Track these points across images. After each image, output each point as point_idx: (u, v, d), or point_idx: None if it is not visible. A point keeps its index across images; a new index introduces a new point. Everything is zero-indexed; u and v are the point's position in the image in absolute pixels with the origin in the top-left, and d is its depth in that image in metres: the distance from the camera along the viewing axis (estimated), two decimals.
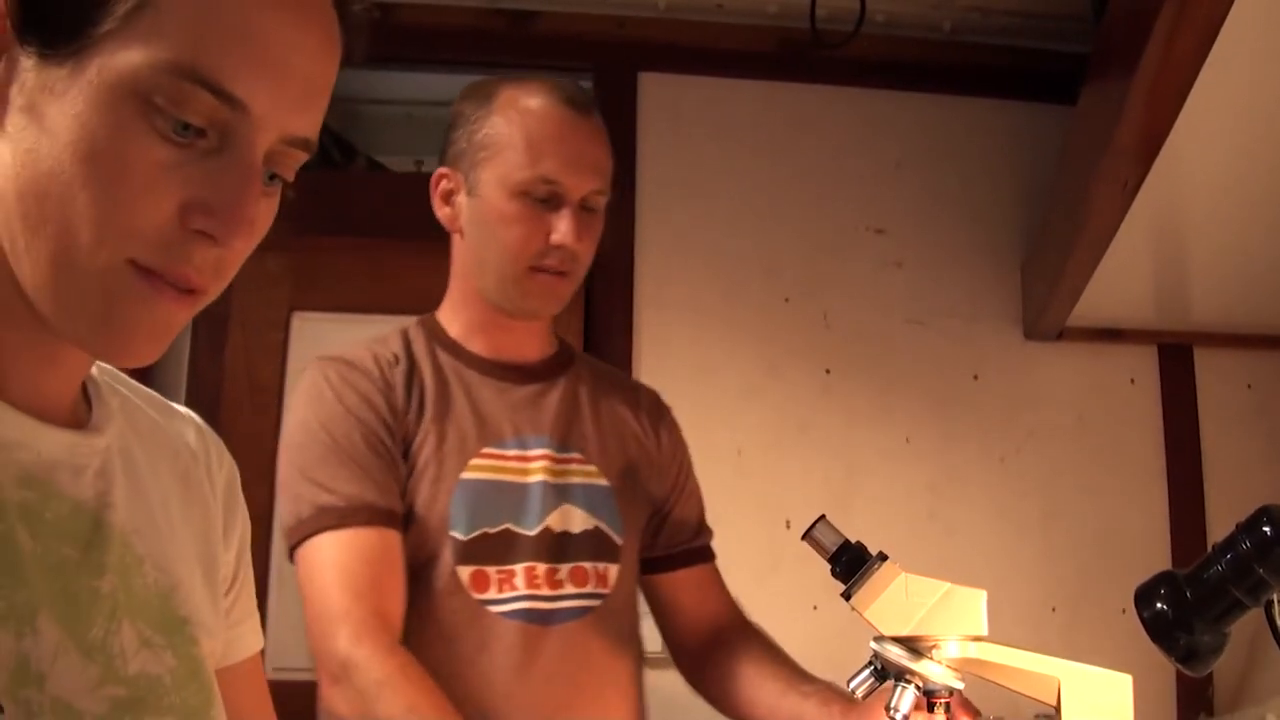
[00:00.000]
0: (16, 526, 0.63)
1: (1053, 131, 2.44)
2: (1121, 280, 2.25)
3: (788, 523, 2.28)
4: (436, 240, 1.39)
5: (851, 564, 1.03)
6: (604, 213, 1.36)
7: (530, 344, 1.40)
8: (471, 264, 1.36)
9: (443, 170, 1.36)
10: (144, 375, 0.75)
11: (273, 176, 0.67)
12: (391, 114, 2.94)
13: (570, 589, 1.30)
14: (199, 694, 0.73)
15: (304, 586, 1.21)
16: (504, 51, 2.55)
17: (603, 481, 1.37)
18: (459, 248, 1.38)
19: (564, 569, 1.30)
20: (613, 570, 1.33)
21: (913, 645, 1.00)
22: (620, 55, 2.59)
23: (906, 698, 1.00)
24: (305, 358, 2.40)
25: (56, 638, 0.63)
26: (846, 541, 1.05)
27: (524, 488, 1.31)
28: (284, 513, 1.24)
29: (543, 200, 1.29)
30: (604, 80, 2.59)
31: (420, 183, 1.36)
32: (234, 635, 0.85)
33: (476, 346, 1.37)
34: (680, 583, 1.46)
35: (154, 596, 0.72)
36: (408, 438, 1.28)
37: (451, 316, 1.39)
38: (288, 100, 0.64)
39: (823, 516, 1.07)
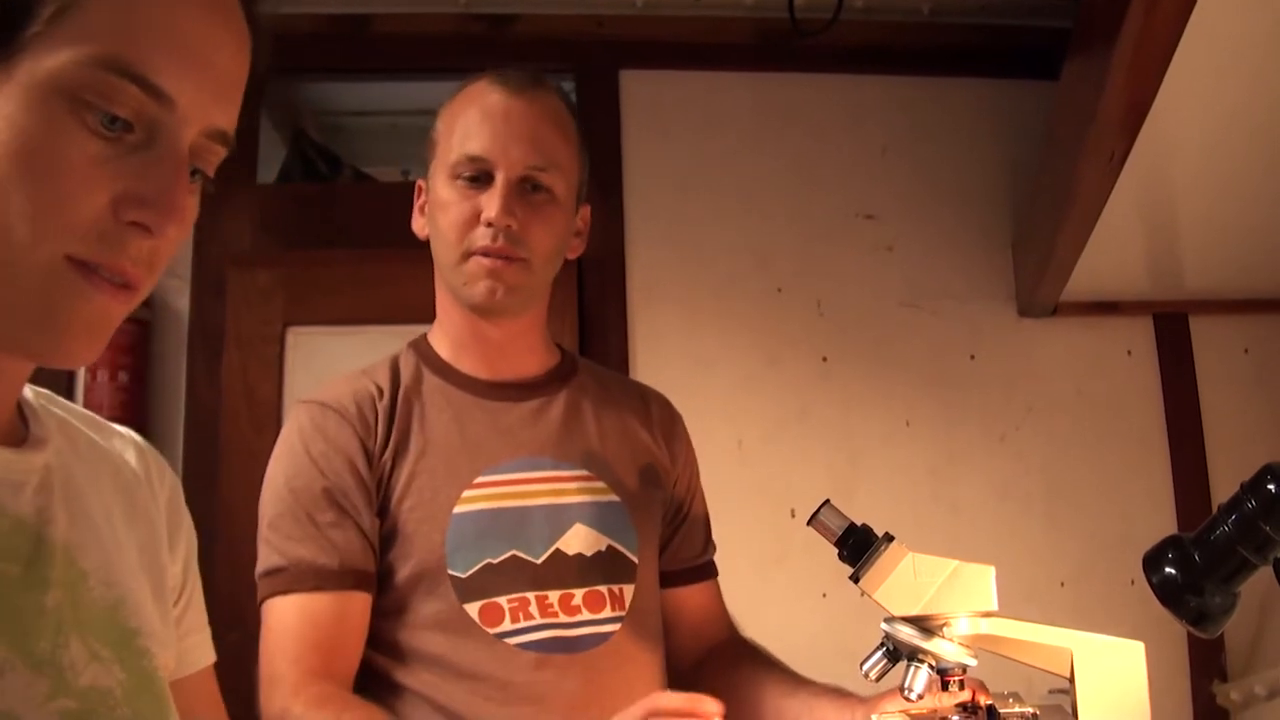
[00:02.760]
0: None
1: (1036, 108, 2.44)
2: (1113, 252, 2.25)
3: (792, 512, 2.27)
4: (427, 249, 1.39)
5: (858, 546, 1.03)
6: (569, 200, 1.29)
7: (523, 357, 1.34)
8: (436, 267, 1.31)
9: (419, 183, 1.34)
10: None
11: (195, 172, 0.69)
12: (375, 125, 2.94)
13: (586, 614, 1.24)
14: (151, 705, 0.73)
15: (259, 650, 1.18)
16: (484, 56, 2.53)
17: (613, 498, 1.30)
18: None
19: (579, 594, 1.24)
20: (629, 590, 1.28)
21: (924, 624, 1.00)
22: (600, 54, 2.59)
23: (920, 677, 1.00)
24: (302, 372, 2.42)
25: (3, 653, 0.63)
26: (852, 524, 1.05)
27: (525, 512, 1.25)
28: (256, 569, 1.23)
29: (474, 179, 1.24)
30: (586, 80, 2.59)
31: (408, 192, 1.36)
32: (185, 647, 0.85)
33: (467, 366, 1.31)
34: (683, 599, 1.40)
35: (101, 610, 0.72)
36: (389, 480, 1.23)
37: (440, 335, 1.34)
38: (209, 93, 0.67)
39: (827, 501, 1.06)
